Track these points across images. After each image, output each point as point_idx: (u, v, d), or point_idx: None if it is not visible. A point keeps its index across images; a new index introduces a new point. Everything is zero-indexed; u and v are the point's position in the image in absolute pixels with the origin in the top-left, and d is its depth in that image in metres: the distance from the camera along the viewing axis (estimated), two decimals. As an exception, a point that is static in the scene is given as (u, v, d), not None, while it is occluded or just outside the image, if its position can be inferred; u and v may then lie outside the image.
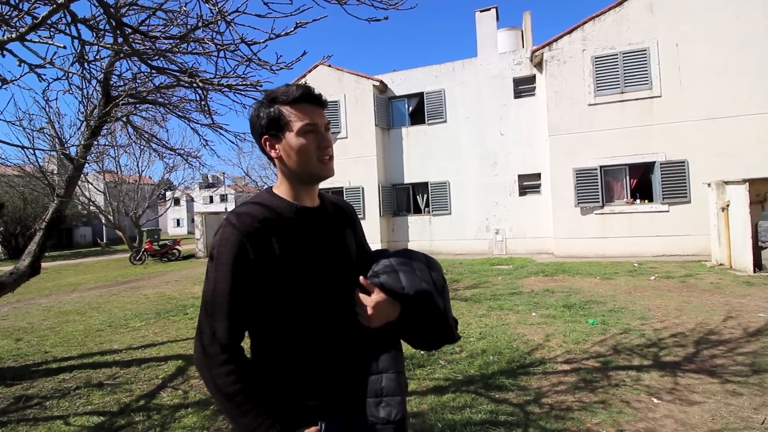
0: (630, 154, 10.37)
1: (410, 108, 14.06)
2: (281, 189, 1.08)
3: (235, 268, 0.93)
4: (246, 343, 0.98)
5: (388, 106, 14.22)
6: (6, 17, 1.93)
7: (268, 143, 1.05)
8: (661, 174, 10.08)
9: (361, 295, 1.05)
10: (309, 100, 1.03)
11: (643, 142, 10.27)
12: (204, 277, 0.99)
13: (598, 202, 10.60)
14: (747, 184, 7.31)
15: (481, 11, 12.97)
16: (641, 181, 10.65)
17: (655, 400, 2.92)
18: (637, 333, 4.41)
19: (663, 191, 10.08)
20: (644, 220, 10.29)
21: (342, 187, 13.75)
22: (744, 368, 3.36)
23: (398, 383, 1.05)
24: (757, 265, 7.19)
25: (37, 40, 1.99)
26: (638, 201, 10.52)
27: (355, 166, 13.58)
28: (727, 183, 7.98)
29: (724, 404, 2.80)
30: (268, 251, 0.96)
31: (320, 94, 1.06)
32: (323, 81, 13.78)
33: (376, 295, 1.04)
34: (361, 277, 1.06)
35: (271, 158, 1.07)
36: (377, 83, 13.62)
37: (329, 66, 13.89)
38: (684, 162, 9.91)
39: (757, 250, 7.21)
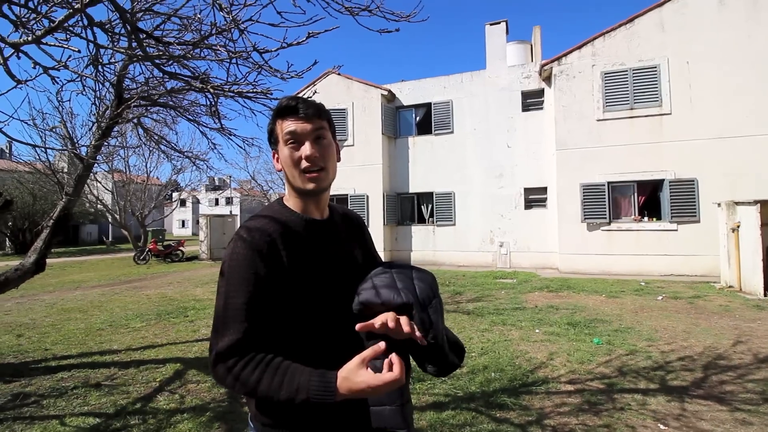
0: (638, 171, 10.30)
1: (417, 118, 14.12)
2: (290, 200, 1.08)
3: (247, 283, 0.92)
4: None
5: (396, 116, 14.28)
6: (23, 20, 1.95)
7: (275, 156, 1.07)
8: (670, 192, 9.99)
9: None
10: (290, 112, 1.02)
11: (652, 159, 10.20)
12: (216, 293, 0.97)
13: (605, 218, 10.51)
14: (758, 205, 7.20)
15: (491, 24, 13.06)
16: (649, 199, 10.56)
17: (662, 426, 2.84)
18: (643, 355, 4.33)
19: (672, 210, 9.98)
20: (652, 238, 10.17)
21: (347, 195, 13.77)
22: (755, 396, 3.27)
23: (402, 415, 1.00)
24: None
25: (53, 43, 2.01)
26: (646, 218, 10.42)
27: (360, 174, 13.61)
28: (737, 203, 7.88)
29: (732, 433, 2.73)
30: (278, 265, 0.95)
31: (304, 106, 1.01)
32: (332, 89, 13.89)
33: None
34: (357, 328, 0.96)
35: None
36: (385, 92, 13.70)
37: (338, 74, 14.00)
38: (694, 181, 9.82)
39: None
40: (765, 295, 6.98)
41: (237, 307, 0.91)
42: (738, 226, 7.74)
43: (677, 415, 2.99)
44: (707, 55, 9.81)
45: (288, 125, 1.01)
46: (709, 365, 3.99)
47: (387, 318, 0.91)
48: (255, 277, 0.92)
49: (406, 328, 0.89)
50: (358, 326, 0.92)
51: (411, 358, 1.06)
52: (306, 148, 1.00)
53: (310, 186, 1.02)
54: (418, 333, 0.90)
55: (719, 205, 8.50)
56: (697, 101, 9.88)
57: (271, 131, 1.06)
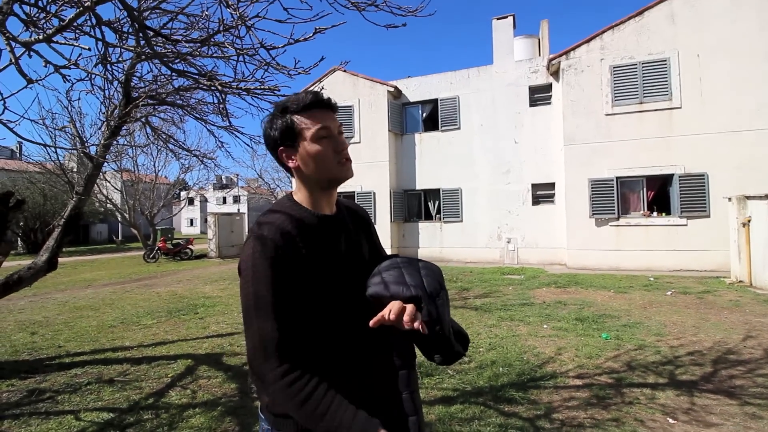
0: (648, 165, 10.19)
1: (424, 114, 14.07)
2: (301, 197, 1.07)
3: (272, 277, 0.91)
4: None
5: (402, 112, 14.25)
6: (34, 19, 1.99)
7: (284, 154, 1.05)
8: (680, 187, 9.87)
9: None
10: (320, 105, 1.02)
11: (662, 153, 10.08)
12: (240, 295, 0.96)
13: (614, 213, 10.42)
14: (770, 199, 7.10)
15: (498, 19, 12.95)
16: (659, 194, 10.44)
17: (671, 420, 2.83)
18: (652, 349, 4.30)
19: (681, 204, 9.86)
20: (661, 234, 10.07)
21: (354, 192, 13.79)
22: (764, 390, 3.24)
23: (413, 403, 1.02)
24: (779, 283, 6.97)
25: (62, 42, 2.04)
26: (655, 214, 10.31)
27: (367, 171, 13.61)
28: (748, 198, 7.77)
29: (743, 427, 2.70)
30: (296, 259, 0.95)
31: (330, 98, 1.05)
32: (338, 86, 13.88)
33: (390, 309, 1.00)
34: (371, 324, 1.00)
35: (288, 169, 1.07)
36: (392, 89, 13.67)
37: (344, 71, 13.98)
38: (704, 175, 9.69)
39: (779, 268, 6.98)
40: (777, 290, 6.89)
41: (268, 302, 0.90)
42: (749, 221, 7.63)
43: (686, 409, 2.98)
44: (718, 47, 9.65)
45: (319, 120, 1.01)
46: (719, 360, 3.95)
47: (392, 308, 0.93)
48: (278, 272, 0.92)
49: (406, 318, 0.91)
50: (372, 322, 0.94)
51: (417, 347, 1.09)
52: (341, 141, 1.04)
53: (351, 174, 1.05)
54: (416, 324, 0.92)
55: (730, 199, 8.39)
56: (707, 95, 9.74)
57: (289, 128, 1.02)
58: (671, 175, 10.07)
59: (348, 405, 0.88)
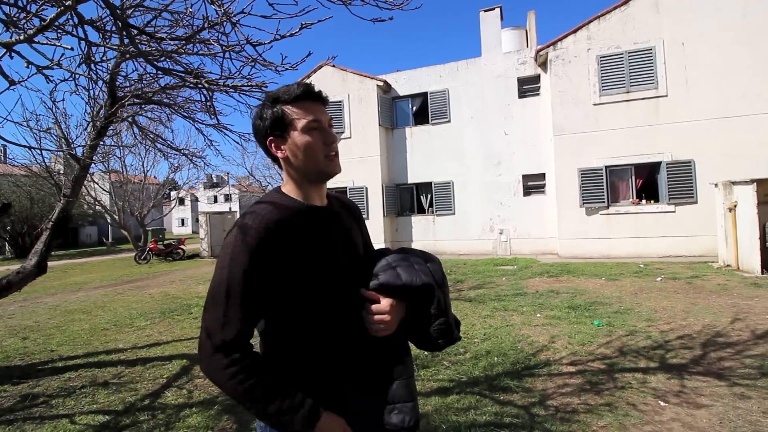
0: (636, 154, 10.31)
1: (414, 108, 14.05)
2: (290, 189, 1.07)
3: (248, 267, 0.90)
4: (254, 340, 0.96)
5: (392, 106, 14.21)
6: (14, 19, 1.94)
7: (273, 144, 1.04)
8: (668, 174, 10.01)
9: (374, 306, 1.01)
10: (311, 97, 1.03)
11: (649, 141, 10.20)
12: (211, 276, 0.95)
13: (604, 202, 10.54)
14: (755, 184, 7.23)
15: (486, 11, 12.94)
16: (647, 182, 10.58)
17: (662, 403, 2.90)
18: (643, 335, 4.38)
19: (669, 191, 10.00)
20: (650, 221, 10.22)
21: (346, 187, 13.76)
22: (752, 371, 3.33)
23: (409, 389, 1.04)
24: (765, 266, 7.11)
25: (44, 42, 2.00)
26: (644, 201, 10.45)
27: (358, 166, 13.58)
28: (734, 183, 7.90)
29: (732, 407, 2.78)
30: (283, 249, 0.94)
31: (320, 90, 1.05)
32: (327, 81, 13.80)
33: (385, 300, 1.02)
34: (361, 290, 1.04)
35: (276, 159, 1.06)
36: (381, 83, 13.62)
37: (333, 66, 13.91)
38: (690, 162, 9.83)
39: (765, 251, 7.13)
40: (762, 273, 7.04)
41: (238, 294, 0.90)
42: (735, 206, 7.78)
43: (677, 392, 3.05)
44: (702, 35, 9.75)
45: (310, 111, 1.01)
46: (708, 343, 4.04)
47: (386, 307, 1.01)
48: (259, 262, 0.91)
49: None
50: (373, 314, 1.01)
51: (417, 339, 1.12)
52: (331, 134, 1.04)
53: (339, 169, 1.05)
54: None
55: (716, 185, 8.53)
56: (692, 82, 9.85)
57: (280, 118, 1.01)
58: (659, 163, 10.20)
59: (296, 391, 0.92)
